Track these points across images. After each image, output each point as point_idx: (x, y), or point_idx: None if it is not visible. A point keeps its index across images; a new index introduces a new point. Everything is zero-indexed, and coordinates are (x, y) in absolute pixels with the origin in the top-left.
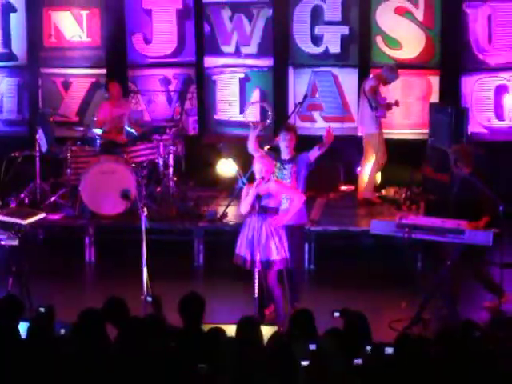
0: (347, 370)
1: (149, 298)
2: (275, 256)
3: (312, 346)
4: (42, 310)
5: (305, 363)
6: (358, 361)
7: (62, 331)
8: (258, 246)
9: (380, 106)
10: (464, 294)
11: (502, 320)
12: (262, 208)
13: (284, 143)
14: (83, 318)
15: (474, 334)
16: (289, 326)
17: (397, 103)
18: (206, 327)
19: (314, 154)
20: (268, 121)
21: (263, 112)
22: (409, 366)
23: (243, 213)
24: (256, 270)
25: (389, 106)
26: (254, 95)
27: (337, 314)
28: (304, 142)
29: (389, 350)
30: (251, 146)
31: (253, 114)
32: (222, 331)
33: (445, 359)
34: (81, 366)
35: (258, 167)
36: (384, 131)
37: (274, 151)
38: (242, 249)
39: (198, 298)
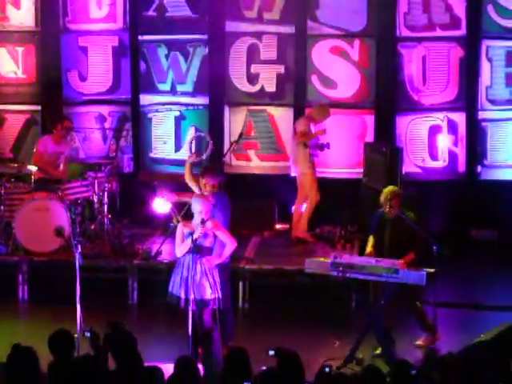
0: None
1: (87, 333)
2: (209, 295)
3: None
4: None
5: None
6: None
7: None
8: (193, 285)
9: (312, 146)
10: (399, 333)
11: (435, 359)
12: (197, 247)
13: (202, 187)
14: (14, 355)
15: (409, 373)
16: (223, 365)
17: (327, 145)
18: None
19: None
20: (206, 153)
21: (202, 144)
22: None
23: (179, 256)
24: (190, 309)
25: (321, 147)
26: (190, 132)
27: (272, 353)
28: (239, 181)
29: None
30: (186, 176)
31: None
32: (159, 370)
33: None
34: None
35: (197, 207)
36: (319, 170)
37: None
38: (175, 287)
39: (125, 336)
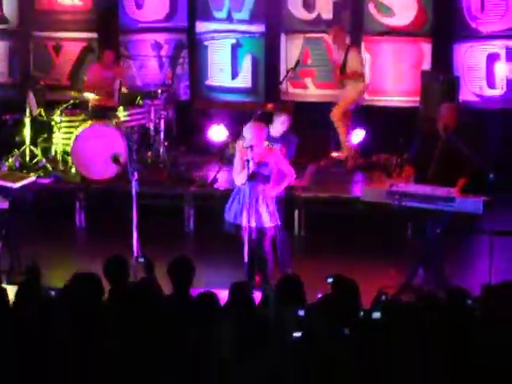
0: (336, 340)
1: (141, 259)
2: (268, 223)
3: (301, 312)
4: (28, 267)
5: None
6: (346, 331)
7: (52, 293)
8: (251, 212)
9: None
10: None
11: (491, 288)
12: (255, 175)
13: (277, 124)
14: (77, 281)
15: (465, 302)
16: (277, 292)
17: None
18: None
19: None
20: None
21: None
22: (396, 332)
23: (238, 184)
24: (246, 236)
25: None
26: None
27: (330, 280)
28: (295, 108)
29: (376, 315)
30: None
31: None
32: (215, 296)
33: (433, 326)
34: (71, 328)
35: (247, 134)
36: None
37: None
38: (232, 215)
39: (187, 263)
